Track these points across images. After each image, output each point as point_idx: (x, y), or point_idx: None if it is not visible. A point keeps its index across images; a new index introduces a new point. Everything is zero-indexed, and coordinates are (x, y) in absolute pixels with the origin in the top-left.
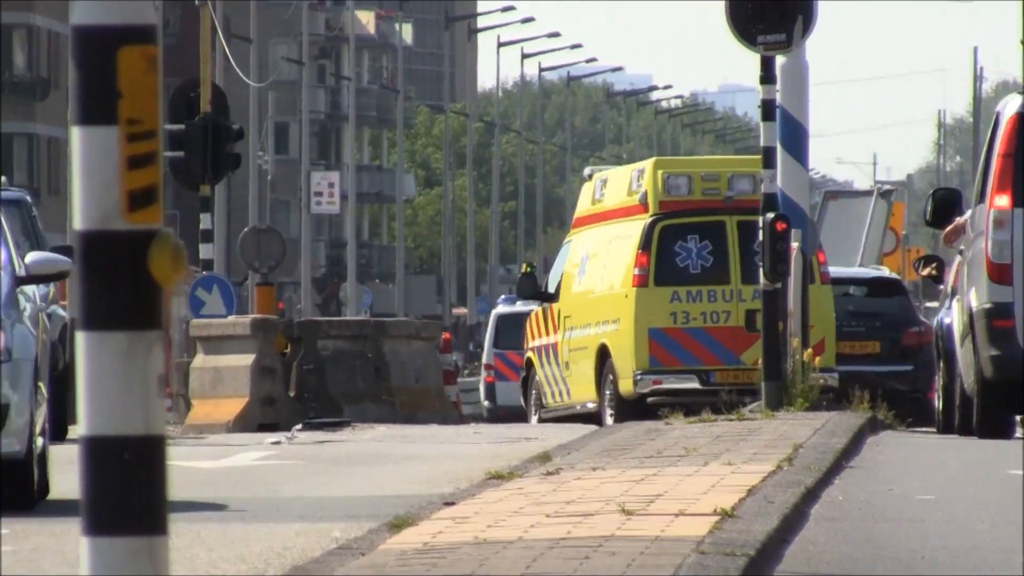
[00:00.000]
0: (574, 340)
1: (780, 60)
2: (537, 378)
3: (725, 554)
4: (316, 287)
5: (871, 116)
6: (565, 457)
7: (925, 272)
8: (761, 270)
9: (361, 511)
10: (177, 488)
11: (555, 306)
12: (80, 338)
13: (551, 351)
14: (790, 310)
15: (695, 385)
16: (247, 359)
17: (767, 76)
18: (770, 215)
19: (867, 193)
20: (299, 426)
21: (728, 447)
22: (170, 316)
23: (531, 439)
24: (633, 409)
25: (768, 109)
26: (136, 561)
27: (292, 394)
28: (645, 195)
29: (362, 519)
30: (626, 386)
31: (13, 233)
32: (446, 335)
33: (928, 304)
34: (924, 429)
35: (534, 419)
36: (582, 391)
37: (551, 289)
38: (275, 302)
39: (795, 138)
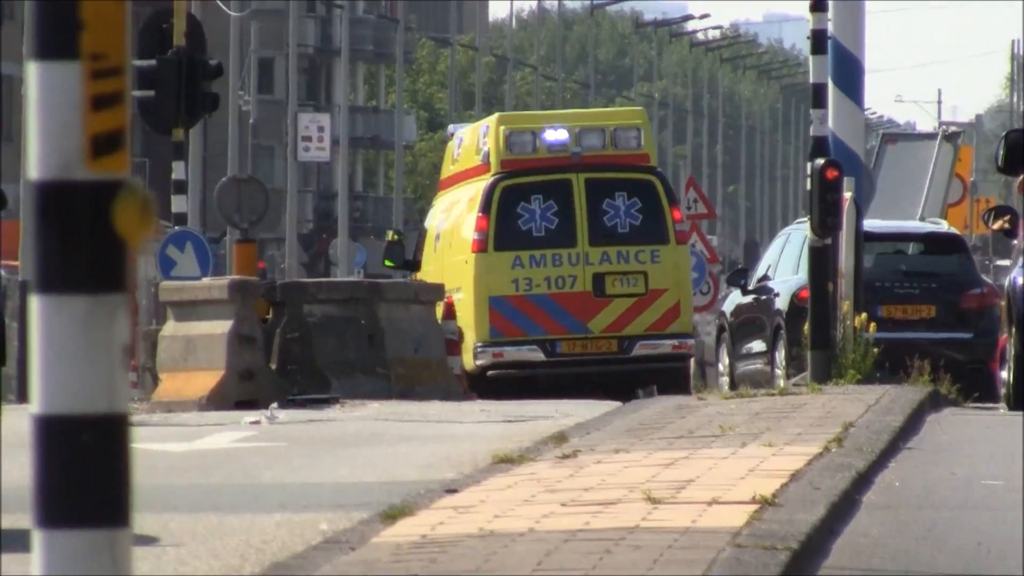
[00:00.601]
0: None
1: None
2: None
3: (764, 548)
4: (302, 244)
5: (935, 48)
6: (583, 438)
7: (996, 226)
8: (808, 223)
9: (351, 499)
10: (142, 474)
11: (418, 275)
12: (34, 303)
13: None
14: (841, 269)
15: (539, 356)
16: (223, 327)
17: (818, 2)
18: (820, 161)
19: (930, 136)
20: (276, 404)
21: (769, 426)
22: (136, 278)
23: (545, 417)
24: (478, 384)
25: (819, 40)
26: (95, 557)
27: (274, 366)
28: (488, 154)
29: (352, 509)
30: (468, 360)
31: None
32: (449, 299)
33: (999, 262)
34: (991, 405)
35: None
36: None
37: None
38: (256, 261)
39: (849, 73)
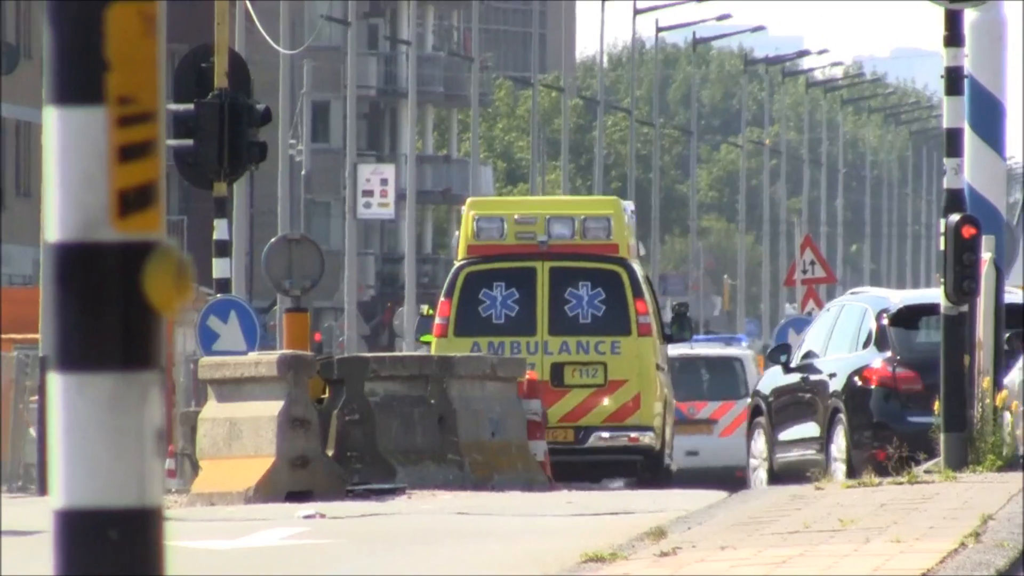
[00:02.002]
0: None
1: (970, 15)
2: None
3: None
4: (363, 314)
5: None
6: (684, 533)
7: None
8: (943, 289)
9: None
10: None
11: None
12: (54, 381)
13: None
14: (979, 340)
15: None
16: (273, 408)
17: (953, 36)
18: (955, 217)
19: None
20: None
21: (896, 519)
22: (172, 353)
23: (642, 511)
24: None
25: (954, 80)
26: None
27: (331, 453)
28: (458, 239)
29: None
30: None
31: None
32: (531, 375)
33: None
34: None
35: None
36: None
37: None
38: (310, 333)
39: (989, 116)
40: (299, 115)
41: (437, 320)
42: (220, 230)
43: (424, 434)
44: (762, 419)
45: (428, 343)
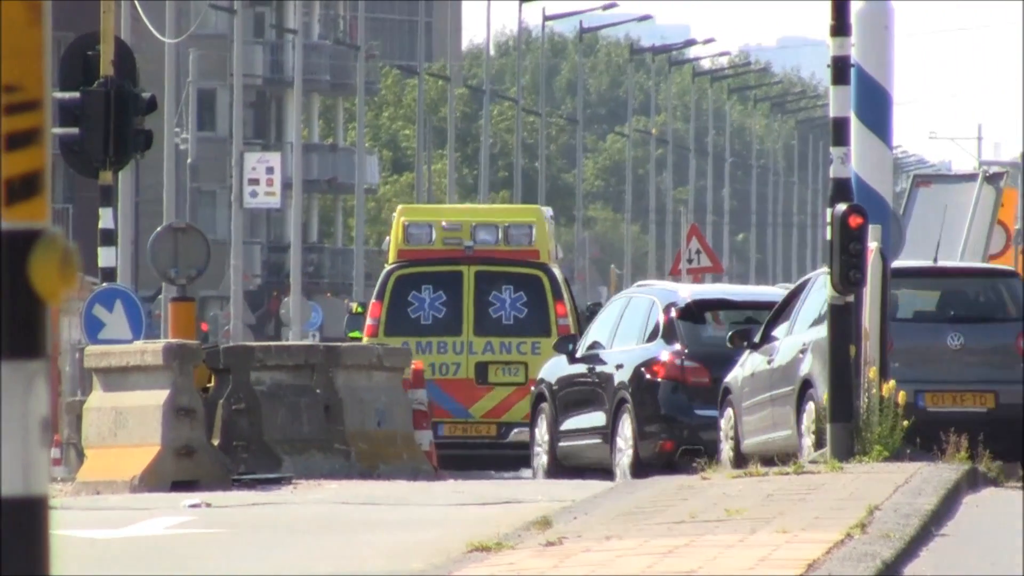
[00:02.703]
0: None
1: (857, 5)
2: None
3: None
4: (250, 303)
5: (975, 76)
6: (570, 523)
7: None
8: (829, 279)
9: None
10: (65, 565)
11: None
12: None
13: None
14: (865, 329)
15: None
16: (158, 397)
17: (840, 26)
18: (841, 207)
19: (969, 177)
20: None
21: (782, 509)
22: (58, 341)
23: (527, 501)
24: None
25: (840, 69)
26: None
27: (216, 442)
28: (388, 243)
29: None
30: None
31: None
32: (417, 365)
33: None
34: None
35: None
36: None
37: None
38: (196, 322)
39: (875, 106)
40: (185, 104)
41: (368, 321)
42: (105, 219)
43: (310, 423)
44: (545, 406)
45: (357, 339)
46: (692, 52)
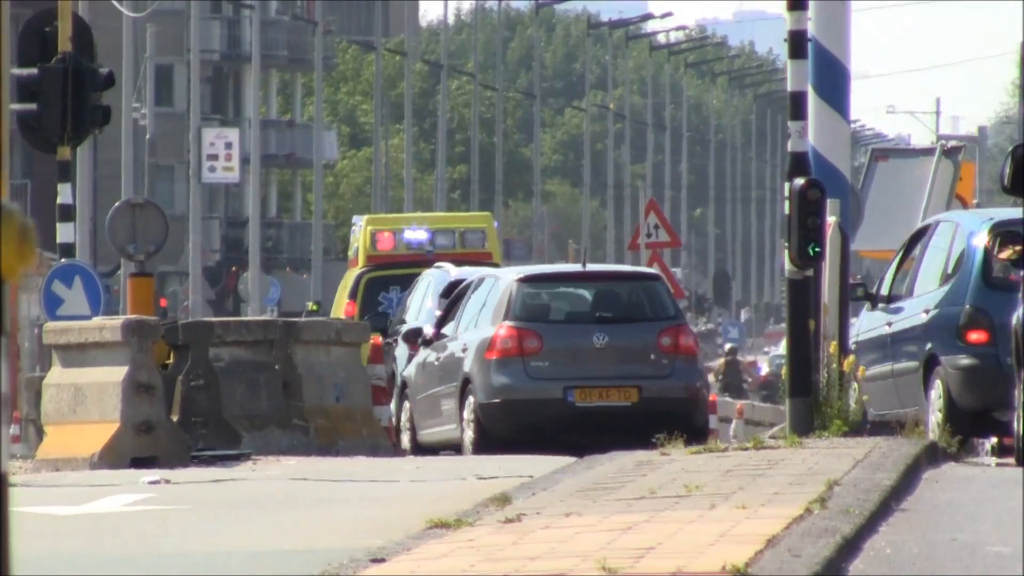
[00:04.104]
0: None
1: None
2: None
3: None
4: (208, 278)
5: (932, 52)
6: (529, 499)
7: (1004, 255)
8: (787, 253)
9: (264, 570)
10: (24, 541)
11: None
12: None
13: None
14: (824, 304)
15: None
16: (117, 373)
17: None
18: (799, 181)
19: (927, 151)
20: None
21: (742, 484)
22: (16, 318)
23: (487, 477)
24: None
25: (797, 43)
26: None
27: (176, 418)
28: (357, 250)
29: None
30: None
31: None
32: (376, 340)
33: None
34: (1001, 460)
35: None
36: None
37: None
38: (155, 298)
39: (833, 81)
40: (142, 79)
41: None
42: (64, 194)
43: (269, 399)
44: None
45: None
46: (649, 26)
